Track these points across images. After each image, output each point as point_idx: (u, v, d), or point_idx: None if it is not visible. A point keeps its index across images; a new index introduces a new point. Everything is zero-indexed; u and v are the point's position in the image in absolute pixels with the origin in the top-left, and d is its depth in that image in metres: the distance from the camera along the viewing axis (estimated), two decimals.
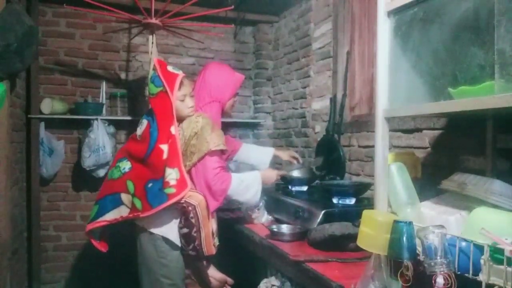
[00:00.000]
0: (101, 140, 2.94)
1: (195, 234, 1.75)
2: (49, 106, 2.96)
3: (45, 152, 2.98)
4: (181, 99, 1.86)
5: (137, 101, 3.30)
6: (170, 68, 1.89)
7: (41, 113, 2.96)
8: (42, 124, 2.99)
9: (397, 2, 1.19)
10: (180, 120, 1.88)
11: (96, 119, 2.99)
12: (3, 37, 1.96)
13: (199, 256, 1.81)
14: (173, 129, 1.79)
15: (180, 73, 1.88)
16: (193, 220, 1.74)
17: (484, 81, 0.94)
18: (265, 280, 1.80)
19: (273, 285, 1.74)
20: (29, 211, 2.97)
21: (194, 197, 1.76)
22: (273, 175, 2.14)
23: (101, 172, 2.97)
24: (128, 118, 3.15)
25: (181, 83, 1.85)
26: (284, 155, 2.50)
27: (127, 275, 2.95)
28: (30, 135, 2.93)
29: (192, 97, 1.91)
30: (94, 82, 3.26)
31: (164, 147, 1.77)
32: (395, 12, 1.21)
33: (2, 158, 2.11)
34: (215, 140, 1.86)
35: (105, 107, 3.17)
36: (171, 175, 1.73)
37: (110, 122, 3.10)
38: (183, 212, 1.76)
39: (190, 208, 1.74)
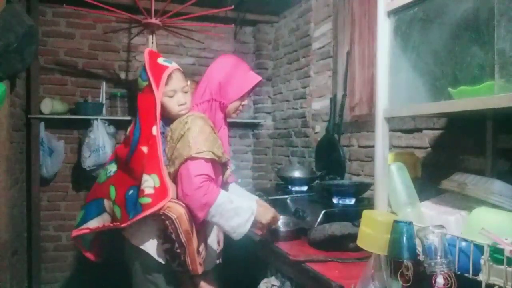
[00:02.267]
0: (101, 140, 2.94)
1: (178, 250, 1.53)
2: (49, 106, 2.96)
3: (45, 152, 2.98)
4: (170, 95, 1.61)
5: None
6: (161, 60, 1.66)
7: (41, 113, 2.96)
8: (42, 124, 2.99)
9: (397, 2, 1.19)
10: (171, 119, 1.64)
11: (96, 119, 2.99)
12: (3, 37, 1.96)
13: (186, 272, 1.59)
14: (154, 130, 1.56)
15: (171, 66, 1.64)
16: (173, 236, 1.51)
17: (484, 81, 0.94)
18: (265, 280, 1.80)
19: (273, 285, 1.74)
20: (29, 211, 2.97)
21: (173, 209, 1.50)
22: (268, 215, 1.67)
23: None
24: (128, 118, 3.15)
25: (170, 77, 1.61)
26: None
27: (127, 276, 2.95)
28: (30, 135, 2.93)
29: (185, 93, 1.65)
30: (94, 82, 3.26)
31: (145, 150, 1.57)
32: (395, 12, 1.21)
33: (2, 158, 2.11)
34: (200, 145, 1.52)
35: (105, 107, 3.17)
36: (147, 182, 1.51)
37: (110, 122, 3.10)
38: (162, 225, 1.54)
39: (167, 222, 1.50)
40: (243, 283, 2.02)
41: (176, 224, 1.50)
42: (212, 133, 1.60)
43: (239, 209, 1.57)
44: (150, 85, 1.60)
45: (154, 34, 2.74)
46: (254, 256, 1.99)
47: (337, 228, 1.63)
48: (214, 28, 3.35)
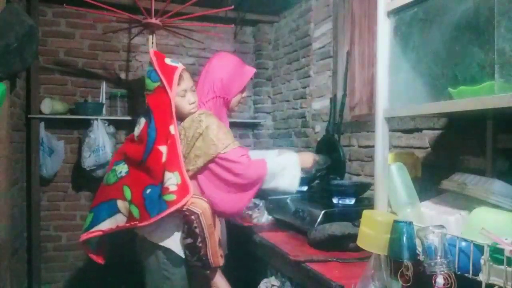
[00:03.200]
0: (101, 140, 2.94)
1: (200, 245, 1.59)
2: (49, 106, 2.96)
3: (45, 152, 2.98)
4: (181, 95, 1.68)
5: (137, 101, 3.30)
6: (168, 60, 1.71)
7: (41, 113, 2.96)
8: (42, 124, 2.99)
9: (397, 2, 1.19)
10: (182, 118, 1.71)
11: (96, 119, 2.99)
12: (3, 37, 1.96)
13: (205, 267, 1.64)
14: (172, 129, 1.61)
15: (180, 66, 1.70)
16: (197, 230, 1.57)
17: (484, 81, 0.94)
18: (265, 280, 1.80)
19: (273, 285, 1.74)
20: (29, 211, 2.97)
21: (198, 205, 1.59)
22: (310, 158, 1.81)
23: (101, 172, 2.97)
24: (128, 118, 3.15)
25: (181, 77, 1.67)
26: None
27: (127, 275, 2.96)
28: (30, 135, 2.93)
29: (193, 92, 1.73)
30: (94, 82, 3.26)
31: (163, 149, 1.60)
32: (395, 12, 1.21)
33: (2, 158, 2.10)
34: (223, 141, 1.64)
35: (105, 107, 3.17)
36: (171, 180, 1.56)
37: (110, 122, 3.10)
38: (185, 221, 1.60)
39: (193, 217, 1.57)
40: (243, 283, 2.02)
41: (201, 218, 1.57)
42: (225, 126, 1.73)
43: (286, 166, 1.72)
44: (162, 86, 1.64)
45: (154, 34, 2.74)
46: (254, 256, 1.99)
47: (337, 228, 1.63)
48: (214, 28, 3.35)
